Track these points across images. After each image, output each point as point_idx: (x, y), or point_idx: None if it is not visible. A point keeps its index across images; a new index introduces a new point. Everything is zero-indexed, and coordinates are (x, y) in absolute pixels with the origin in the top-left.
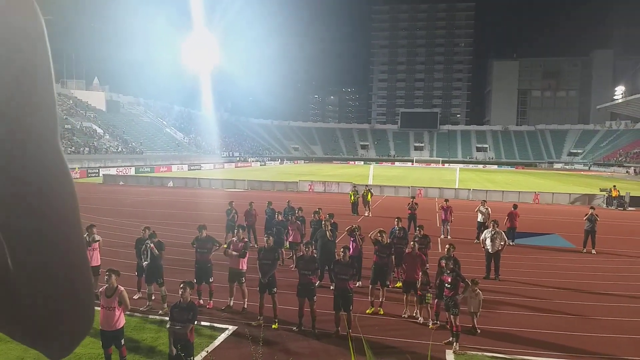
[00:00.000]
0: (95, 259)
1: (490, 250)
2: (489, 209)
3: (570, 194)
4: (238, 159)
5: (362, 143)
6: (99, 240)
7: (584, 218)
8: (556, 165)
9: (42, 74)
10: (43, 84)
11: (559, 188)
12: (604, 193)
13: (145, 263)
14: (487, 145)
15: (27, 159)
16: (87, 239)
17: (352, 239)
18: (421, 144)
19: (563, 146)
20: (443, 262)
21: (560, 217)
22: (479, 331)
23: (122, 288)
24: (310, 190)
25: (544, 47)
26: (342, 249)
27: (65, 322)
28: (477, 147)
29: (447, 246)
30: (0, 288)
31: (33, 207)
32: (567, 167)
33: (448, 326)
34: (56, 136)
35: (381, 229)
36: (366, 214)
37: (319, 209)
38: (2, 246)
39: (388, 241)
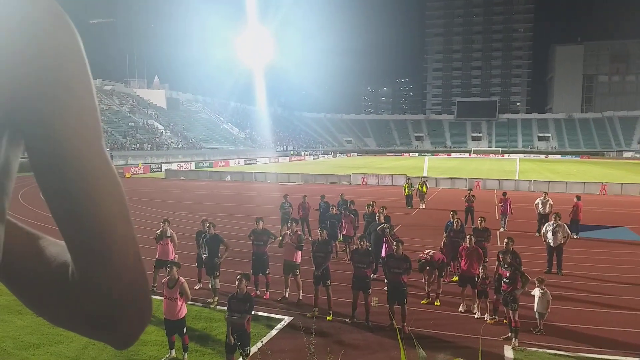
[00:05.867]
0: (166, 253)
1: (552, 244)
2: (550, 200)
3: None
4: (292, 152)
5: (416, 134)
6: (170, 236)
7: None
8: (626, 154)
9: (80, 80)
10: (82, 90)
11: (628, 178)
12: None
13: (204, 256)
14: (549, 134)
15: (72, 163)
16: (160, 234)
17: (384, 238)
18: (479, 134)
19: (633, 134)
20: (501, 256)
21: (630, 209)
22: (543, 332)
23: (183, 279)
24: (364, 183)
25: (611, 29)
26: (395, 243)
27: (126, 313)
28: (538, 137)
29: (505, 240)
30: (63, 288)
31: (83, 208)
32: (637, 156)
33: (506, 321)
34: (100, 140)
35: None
36: (421, 207)
37: (372, 201)
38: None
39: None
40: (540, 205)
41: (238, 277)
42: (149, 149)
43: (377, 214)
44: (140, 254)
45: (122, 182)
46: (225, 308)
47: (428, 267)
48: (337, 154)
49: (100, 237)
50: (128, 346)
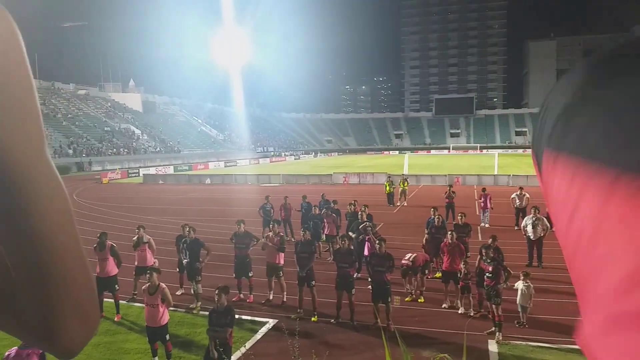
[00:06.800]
0: (144, 259)
1: (532, 237)
2: (527, 194)
3: None
4: (272, 153)
5: (396, 132)
6: (147, 242)
7: None
8: None
9: (21, 85)
10: (24, 95)
11: None
12: None
13: (185, 261)
14: (526, 129)
15: (12, 171)
16: (137, 241)
17: (367, 237)
18: (457, 131)
19: None
20: (484, 251)
21: None
22: (526, 325)
23: (164, 285)
24: (345, 182)
25: (582, 24)
26: (377, 242)
27: (67, 324)
28: (516, 131)
29: (491, 237)
30: (4, 290)
31: (24, 216)
32: None
33: (490, 316)
34: (43, 147)
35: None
36: (398, 204)
37: (354, 200)
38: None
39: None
40: (517, 200)
41: (217, 291)
42: (125, 153)
43: (359, 213)
44: (86, 263)
45: (67, 191)
46: (206, 313)
47: (410, 272)
48: (318, 154)
49: (40, 250)
50: (72, 357)
